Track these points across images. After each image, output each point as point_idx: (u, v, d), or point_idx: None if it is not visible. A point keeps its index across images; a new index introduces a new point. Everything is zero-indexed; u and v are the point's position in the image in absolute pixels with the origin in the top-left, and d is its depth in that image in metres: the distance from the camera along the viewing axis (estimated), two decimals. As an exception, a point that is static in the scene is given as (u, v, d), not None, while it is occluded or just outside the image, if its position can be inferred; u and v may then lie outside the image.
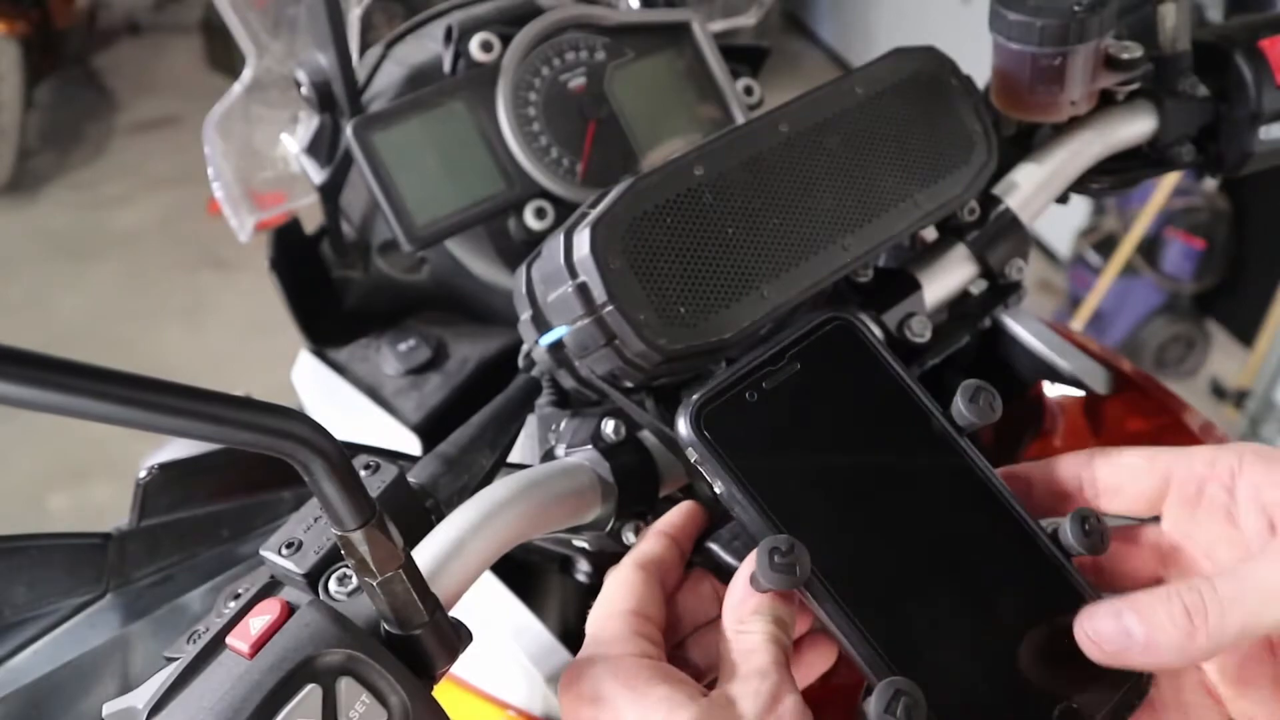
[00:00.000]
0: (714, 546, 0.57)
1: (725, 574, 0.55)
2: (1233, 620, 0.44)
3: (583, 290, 0.58)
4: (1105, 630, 0.47)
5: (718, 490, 0.49)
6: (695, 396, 0.50)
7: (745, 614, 0.49)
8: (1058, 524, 0.52)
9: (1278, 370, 2.59)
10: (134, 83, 4.55)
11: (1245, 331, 2.86)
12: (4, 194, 3.80)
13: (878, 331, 0.70)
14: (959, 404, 0.53)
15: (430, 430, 0.89)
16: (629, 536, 0.62)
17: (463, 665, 0.49)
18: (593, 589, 0.80)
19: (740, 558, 0.53)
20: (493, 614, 0.76)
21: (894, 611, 0.48)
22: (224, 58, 4.25)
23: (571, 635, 0.76)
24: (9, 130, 3.76)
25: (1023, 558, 0.51)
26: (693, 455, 0.50)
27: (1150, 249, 2.85)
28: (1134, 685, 0.49)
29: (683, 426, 0.50)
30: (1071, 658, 0.48)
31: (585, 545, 0.64)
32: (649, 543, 0.56)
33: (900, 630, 0.47)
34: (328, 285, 0.98)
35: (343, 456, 0.40)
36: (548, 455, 0.64)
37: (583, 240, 0.57)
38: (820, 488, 0.50)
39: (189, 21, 4.72)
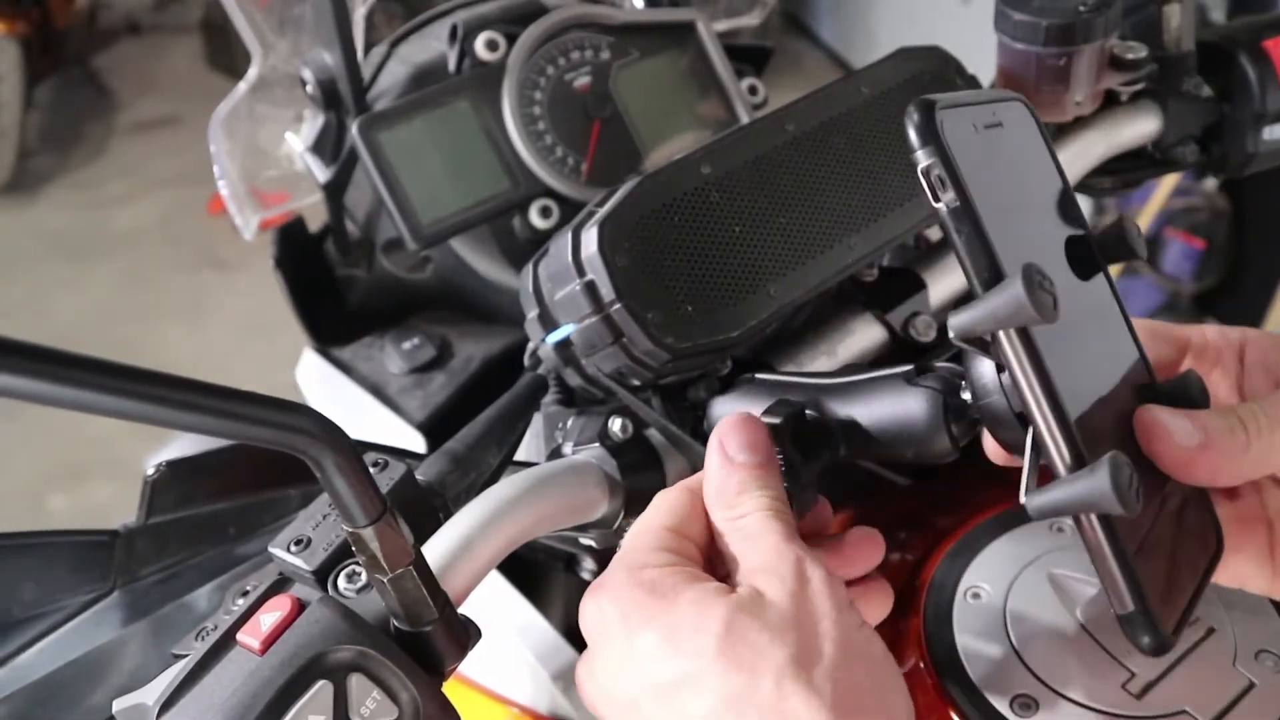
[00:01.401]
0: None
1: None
2: (1273, 438, 0.47)
3: (590, 288, 0.58)
4: (1173, 420, 0.47)
5: (947, 205, 0.44)
6: (937, 97, 0.46)
7: (732, 496, 0.48)
8: (1173, 379, 0.51)
9: (1278, 370, 2.59)
10: (134, 83, 4.55)
11: (1245, 332, 2.85)
12: (4, 194, 3.80)
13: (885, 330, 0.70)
14: (1125, 230, 0.51)
15: (435, 429, 0.89)
16: (635, 535, 0.62)
17: (468, 663, 0.49)
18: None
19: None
20: (499, 612, 0.76)
21: (1077, 397, 0.46)
22: (224, 57, 4.25)
23: (577, 634, 0.76)
24: (9, 130, 3.76)
25: (1145, 396, 0.50)
26: (924, 160, 0.45)
27: (1150, 249, 2.85)
28: (1219, 547, 0.50)
29: (917, 121, 0.45)
30: (1176, 505, 0.49)
31: (592, 543, 0.64)
32: (707, 460, 0.52)
33: (1083, 418, 0.45)
34: (332, 284, 0.98)
35: (354, 452, 0.40)
36: (554, 453, 0.64)
37: (590, 238, 0.57)
38: (1023, 245, 0.46)
39: (189, 21, 4.72)
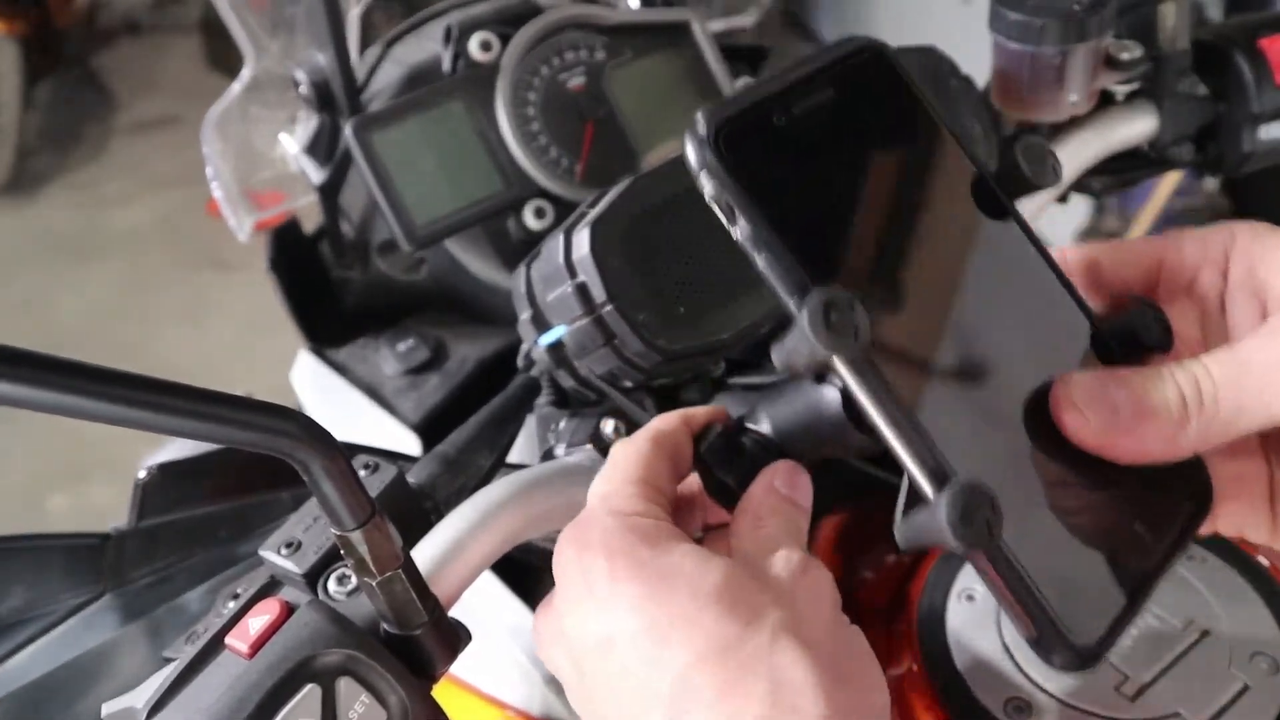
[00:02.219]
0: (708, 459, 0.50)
1: (721, 492, 0.50)
2: (1225, 410, 0.39)
3: (582, 290, 0.58)
4: (1091, 398, 0.41)
5: (739, 232, 0.40)
6: (711, 111, 0.40)
7: (764, 512, 0.46)
8: (1118, 316, 0.45)
9: (1277, 370, 2.59)
10: (134, 82, 4.54)
11: (1245, 331, 2.85)
12: (4, 194, 3.79)
13: None
14: (1020, 160, 0.44)
15: (430, 430, 0.89)
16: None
17: (461, 665, 0.49)
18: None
19: (732, 473, 0.49)
20: (491, 613, 0.76)
21: (946, 405, 0.41)
22: (224, 57, 4.24)
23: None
24: (8, 130, 3.75)
25: (1082, 355, 0.44)
26: (708, 185, 0.40)
27: (1150, 249, 2.85)
28: (1199, 507, 0.44)
29: (694, 149, 0.40)
30: (1136, 476, 0.42)
31: (584, 545, 0.64)
32: (665, 420, 0.50)
33: (954, 429, 0.40)
34: (327, 285, 0.98)
35: (342, 456, 0.40)
36: (547, 455, 0.64)
37: (582, 240, 0.57)
38: (857, 243, 0.41)
39: (189, 21, 4.72)
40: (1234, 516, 0.46)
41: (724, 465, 0.50)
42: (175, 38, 4.82)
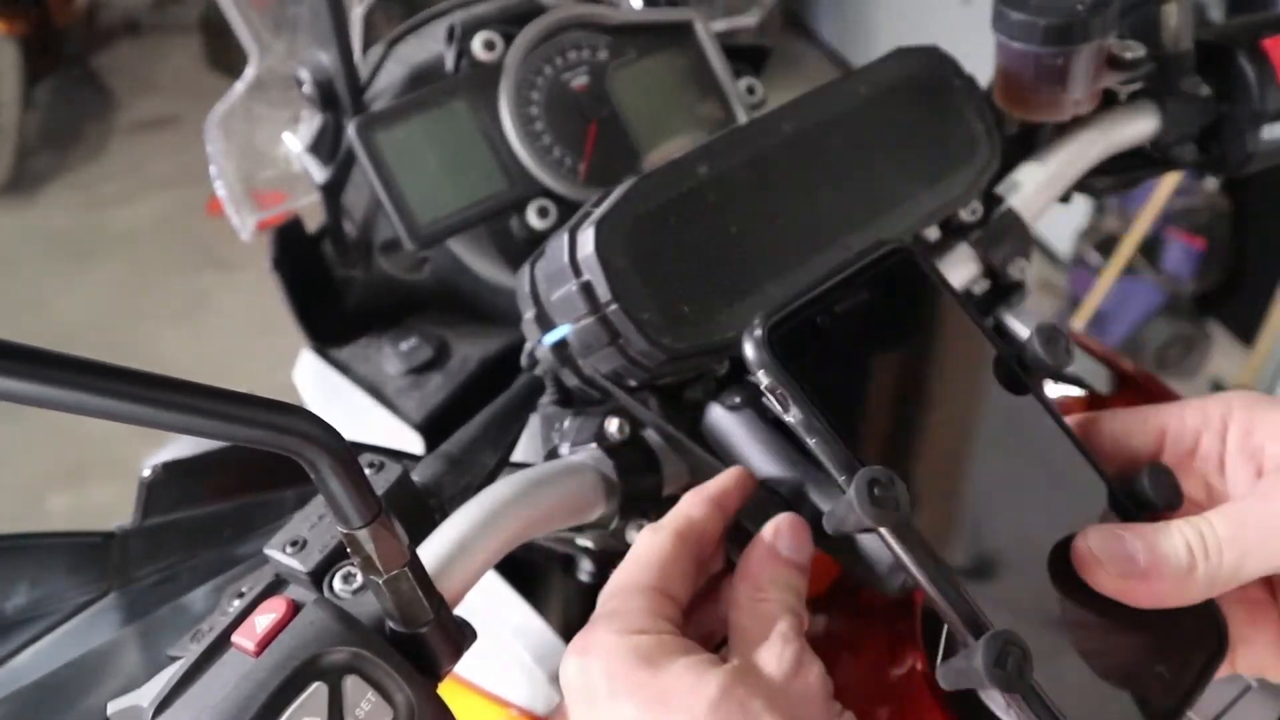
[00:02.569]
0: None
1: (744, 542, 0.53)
2: (1229, 560, 0.44)
3: (587, 289, 0.58)
4: (1110, 549, 0.46)
5: (792, 419, 0.45)
6: (766, 316, 0.46)
7: (764, 581, 0.48)
8: (1132, 478, 0.50)
9: (1278, 370, 2.59)
10: (134, 82, 4.54)
11: (1245, 331, 2.85)
12: (3, 194, 3.79)
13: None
14: (1035, 346, 0.50)
15: (433, 429, 0.89)
16: (632, 535, 0.62)
17: (465, 664, 0.49)
18: (595, 589, 0.80)
19: (760, 525, 0.52)
20: (495, 613, 0.76)
21: (981, 561, 0.46)
22: (223, 57, 4.25)
23: (573, 635, 0.76)
24: (8, 130, 3.75)
25: (1100, 513, 0.49)
26: (765, 380, 0.46)
27: (1151, 249, 2.85)
28: (1216, 649, 0.48)
29: (752, 348, 0.46)
30: (1156, 622, 0.47)
31: (589, 544, 0.64)
32: (695, 508, 0.53)
33: (988, 582, 0.45)
34: (329, 285, 0.98)
35: (349, 453, 0.40)
36: (551, 454, 0.64)
37: (587, 239, 0.57)
38: (897, 423, 0.47)
39: (189, 21, 4.71)
40: (1251, 658, 0.49)
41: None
42: (175, 38, 4.81)
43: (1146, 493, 0.49)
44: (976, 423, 0.49)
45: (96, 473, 2.61)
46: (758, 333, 0.46)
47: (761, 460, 0.59)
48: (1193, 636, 0.48)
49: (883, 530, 0.43)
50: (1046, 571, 0.47)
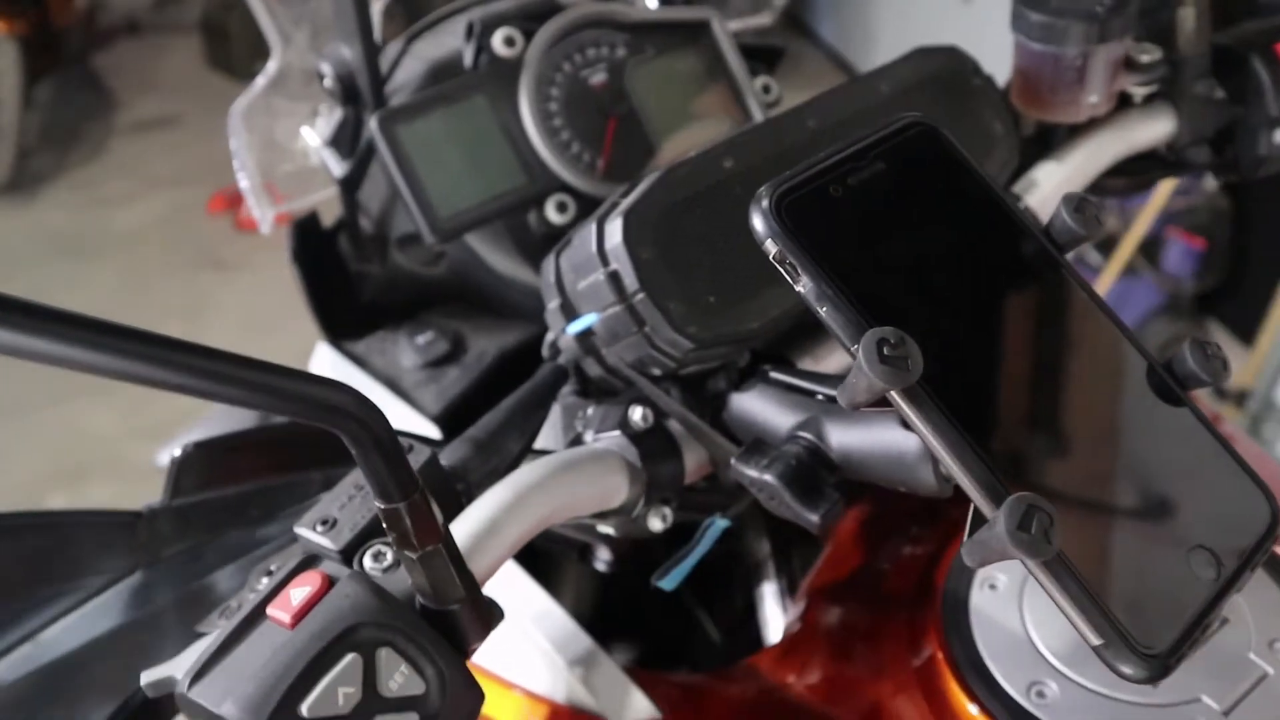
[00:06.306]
0: (741, 466, 0.56)
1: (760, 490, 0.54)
2: None
3: (614, 278, 0.58)
4: None
5: (802, 287, 0.44)
6: (774, 185, 0.44)
7: None
8: (1171, 354, 0.48)
9: (1278, 370, 2.59)
10: (134, 82, 4.54)
11: (1246, 331, 2.85)
12: (3, 194, 3.79)
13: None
14: (1063, 216, 0.48)
15: (449, 422, 0.89)
16: (654, 523, 0.62)
17: (482, 652, 0.50)
18: (612, 576, 0.81)
19: (817, 509, 0.53)
20: (513, 600, 0.76)
21: (1004, 429, 0.43)
22: (223, 57, 4.24)
23: (592, 622, 0.76)
24: (8, 130, 3.75)
25: (1139, 386, 0.47)
26: (772, 248, 0.44)
27: (1150, 249, 2.85)
28: (1266, 530, 0.46)
29: (759, 217, 0.44)
30: (1200, 496, 0.45)
31: (609, 531, 0.64)
32: None
33: (1012, 452, 0.43)
34: (345, 279, 0.99)
35: (390, 431, 0.41)
36: (574, 441, 0.65)
37: (615, 229, 0.58)
38: (914, 292, 0.45)
39: (188, 21, 4.71)
40: None
41: (809, 503, 0.54)
42: (175, 38, 4.81)
43: (1189, 366, 0.47)
44: (997, 294, 0.47)
45: (96, 473, 2.61)
46: (765, 202, 0.44)
47: (779, 416, 0.59)
48: (1240, 515, 0.46)
49: (893, 394, 0.41)
50: (1075, 439, 0.45)
